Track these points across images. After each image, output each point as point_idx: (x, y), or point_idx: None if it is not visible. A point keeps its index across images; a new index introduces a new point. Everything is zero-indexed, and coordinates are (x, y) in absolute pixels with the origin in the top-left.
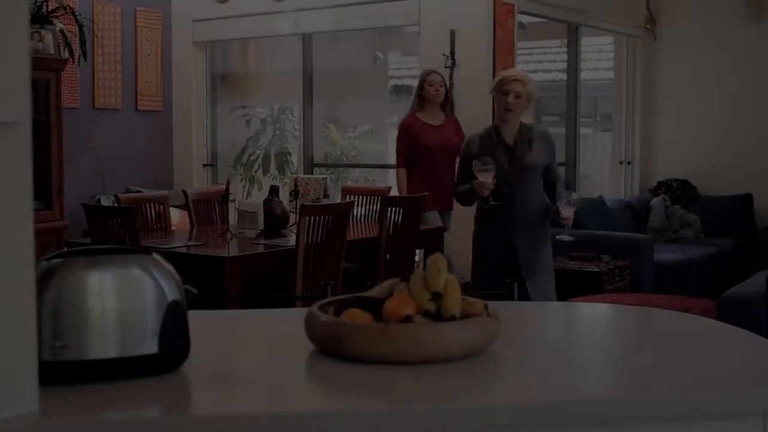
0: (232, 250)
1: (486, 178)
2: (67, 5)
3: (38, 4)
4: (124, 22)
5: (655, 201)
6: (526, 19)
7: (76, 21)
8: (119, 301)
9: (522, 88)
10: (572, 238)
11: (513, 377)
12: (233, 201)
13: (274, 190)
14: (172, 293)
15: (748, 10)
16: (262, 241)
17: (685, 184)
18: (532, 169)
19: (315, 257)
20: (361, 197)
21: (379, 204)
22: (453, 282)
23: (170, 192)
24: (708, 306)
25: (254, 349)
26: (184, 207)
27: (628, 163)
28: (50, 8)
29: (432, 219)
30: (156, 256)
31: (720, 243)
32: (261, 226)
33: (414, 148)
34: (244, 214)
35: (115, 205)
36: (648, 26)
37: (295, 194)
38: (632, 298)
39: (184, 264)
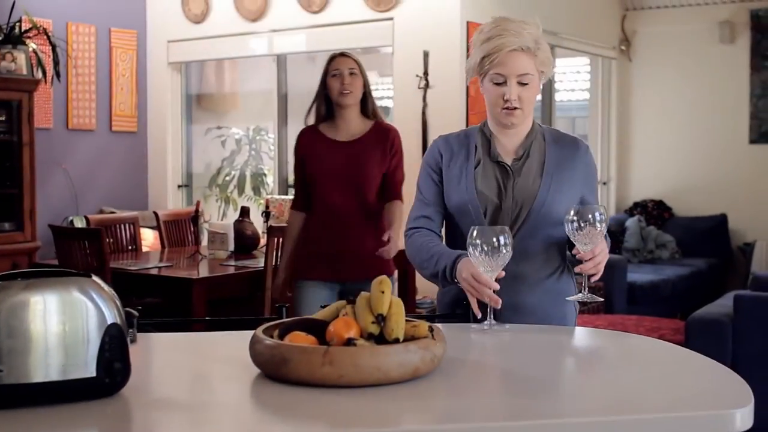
0: (201, 271)
1: (492, 269)
2: (41, 25)
3: (11, 24)
4: (99, 42)
5: (630, 221)
6: None
7: (50, 41)
8: (57, 324)
9: (531, 63)
10: (595, 298)
11: (456, 401)
12: (208, 221)
13: (244, 212)
14: (111, 316)
15: (721, 32)
16: (232, 263)
17: (660, 204)
18: (547, 216)
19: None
20: None
21: None
22: (397, 304)
23: (143, 213)
24: (678, 326)
25: (201, 373)
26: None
27: (604, 183)
28: (23, 29)
29: (321, 297)
30: (96, 278)
31: (695, 263)
32: (231, 247)
33: (305, 175)
34: (215, 235)
35: (86, 226)
36: (623, 47)
37: (266, 215)
38: (604, 319)
39: (152, 285)
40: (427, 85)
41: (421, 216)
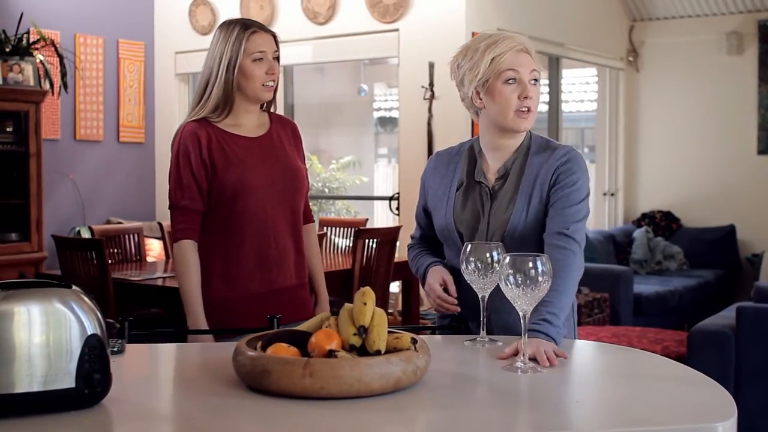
0: None
1: (486, 286)
2: (48, 37)
3: (19, 36)
4: (107, 54)
5: (638, 233)
6: None
7: (57, 53)
8: (36, 334)
9: (538, 65)
10: (536, 369)
11: (438, 413)
12: None
13: None
14: (91, 327)
15: (729, 42)
16: None
17: (668, 215)
18: (523, 242)
19: None
20: (338, 229)
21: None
22: (380, 316)
23: (150, 223)
24: (682, 338)
25: (185, 384)
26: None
27: (612, 194)
28: (31, 40)
29: None
30: (76, 289)
31: (703, 274)
32: None
33: (219, 189)
34: None
35: (89, 237)
36: (630, 58)
37: None
38: (608, 331)
39: (155, 296)
40: (432, 96)
41: (412, 236)
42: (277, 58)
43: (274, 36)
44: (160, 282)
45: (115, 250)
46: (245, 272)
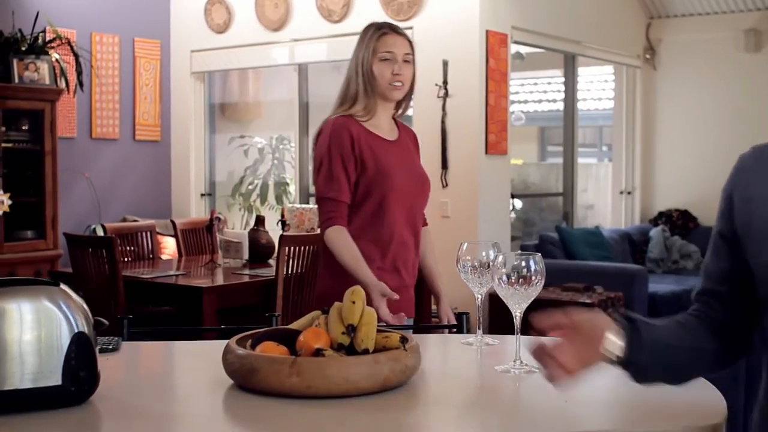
0: (214, 280)
1: (481, 286)
2: (64, 36)
3: (35, 34)
4: (123, 52)
5: (654, 231)
6: (526, 50)
7: (73, 51)
8: (23, 331)
9: None
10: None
11: (425, 413)
12: (230, 230)
13: (260, 221)
14: (78, 325)
15: (746, 40)
16: (246, 272)
17: (685, 214)
18: None
19: (296, 287)
20: None
21: None
22: (369, 315)
23: (165, 221)
24: None
25: (176, 382)
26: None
27: (629, 193)
28: (47, 39)
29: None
30: (64, 287)
31: None
32: (245, 256)
33: (365, 188)
34: (229, 244)
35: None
36: (648, 56)
37: (282, 224)
38: None
39: (166, 294)
40: (446, 94)
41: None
42: (409, 62)
43: (408, 39)
44: (172, 280)
45: (130, 248)
46: (380, 270)
